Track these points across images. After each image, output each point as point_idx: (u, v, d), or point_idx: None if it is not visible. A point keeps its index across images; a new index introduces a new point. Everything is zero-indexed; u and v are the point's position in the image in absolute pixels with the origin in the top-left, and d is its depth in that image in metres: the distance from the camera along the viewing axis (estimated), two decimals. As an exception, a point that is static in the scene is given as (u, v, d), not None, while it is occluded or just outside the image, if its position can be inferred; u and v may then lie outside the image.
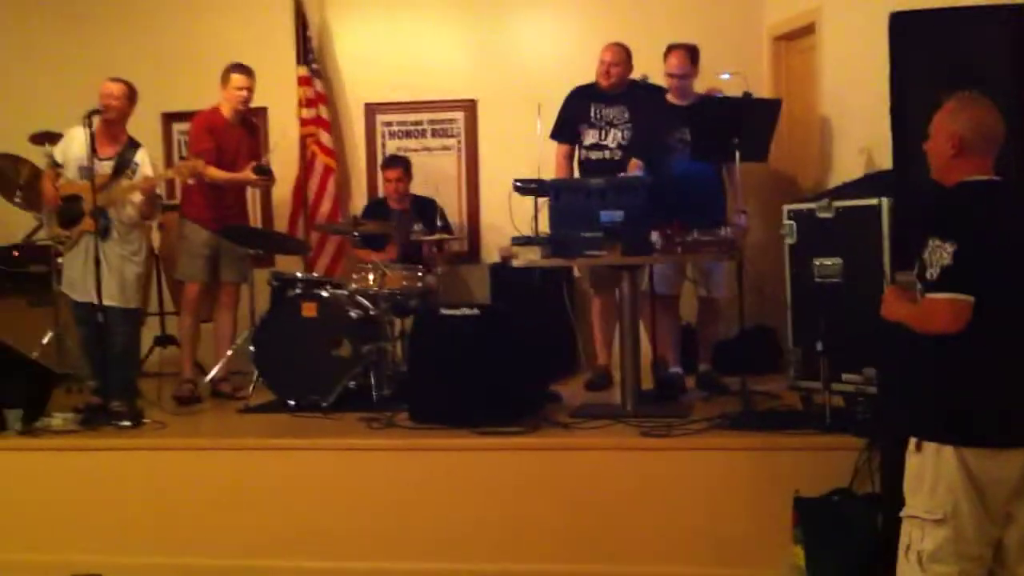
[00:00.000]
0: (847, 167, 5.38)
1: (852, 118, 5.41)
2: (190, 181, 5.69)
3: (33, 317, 6.51)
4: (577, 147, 5.93)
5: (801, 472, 4.12)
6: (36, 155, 6.12)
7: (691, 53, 5.48)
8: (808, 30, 6.01)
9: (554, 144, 5.97)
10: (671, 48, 5.51)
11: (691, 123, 5.31)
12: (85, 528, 4.71)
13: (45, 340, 6.14)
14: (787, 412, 4.68)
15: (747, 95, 5.11)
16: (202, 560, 4.57)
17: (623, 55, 5.80)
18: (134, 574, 4.60)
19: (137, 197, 5.35)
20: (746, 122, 5.11)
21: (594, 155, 5.85)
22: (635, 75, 5.76)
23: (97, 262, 5.03)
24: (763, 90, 6.30)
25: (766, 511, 4.12)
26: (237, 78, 5.81)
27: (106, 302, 5.10)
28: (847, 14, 5.51)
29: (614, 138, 5.80)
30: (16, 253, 6.77)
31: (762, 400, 4.94)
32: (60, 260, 5.60)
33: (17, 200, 6.40)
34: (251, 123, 6.15)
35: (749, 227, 5.37)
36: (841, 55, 5.58)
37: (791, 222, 4.68)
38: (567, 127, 5.92)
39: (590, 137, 5.86)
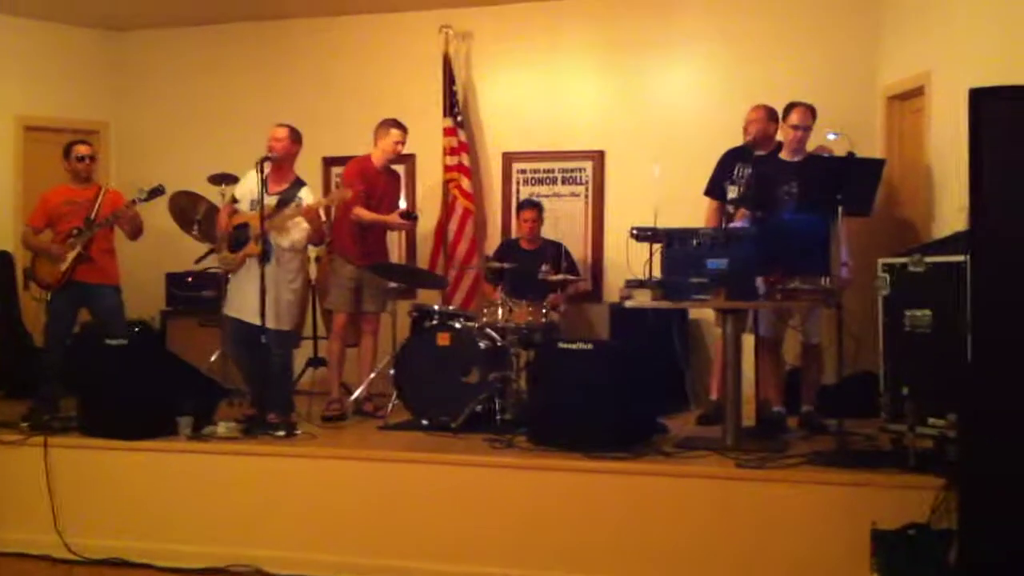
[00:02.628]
0: (949, 224, 5.65)
1: (954, 177, 5.67)
2: (334, 205, 6.21)
3: (203, 336, 7.30)
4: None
5: (882, 507, 4.43)
6: (213, 193, 6.90)
7: (811, 111, 5.88)
8: (919, 92, 6.30)
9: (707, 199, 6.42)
10: (794, 105, 5.89)
11: (800, 178, 5.68)
12: (241, 524, 5.31)
13: (213, 358, 6.88)
14: (876, 452, 4.98)
15: (851, 155, 5.45)
16: (342, 557, 5.12)
17: (764, 115, 6.16)
18: (284, 566, 5.17)
19: (303, 224, 5.94)
20: (850, 179, 5.44)
21: (731, 208, 6.22)
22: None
23: (263, 291, 5.64)
24: (876, 146, 6.62)
25: (848, 542, 4.45)
26: (396, 133, 6.42)
27: (268, 325, 5.69)
28: (955, 78, 5.76)
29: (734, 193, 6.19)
30: (190, 279, 7.62)
31: (856, 441, 5.25)
32: (228, 287, 6.31)
33: (194, 233, 7.09)
34: (394, 172, 6.75)
35: (852, 278, 5.70)
36: (947, 117, 5.83)
37: (885, 275, 5.02)
38: (716, 185, 6.31)
39: (731, 193, 6.28)
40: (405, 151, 6.68)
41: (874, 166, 5.69)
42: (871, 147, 6.51)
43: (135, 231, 6.42)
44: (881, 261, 5.07)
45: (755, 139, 6.15)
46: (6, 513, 5.66)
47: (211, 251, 6.75)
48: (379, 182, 6.44)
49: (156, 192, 6.30)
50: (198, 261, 7.30)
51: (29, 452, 5.61)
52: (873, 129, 6.78)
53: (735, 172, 6.24)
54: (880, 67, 6.90)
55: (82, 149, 6.41)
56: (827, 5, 7.17)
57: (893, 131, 6.72)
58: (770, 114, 6.19)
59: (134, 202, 6.27)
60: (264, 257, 5.78)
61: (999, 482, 3.91)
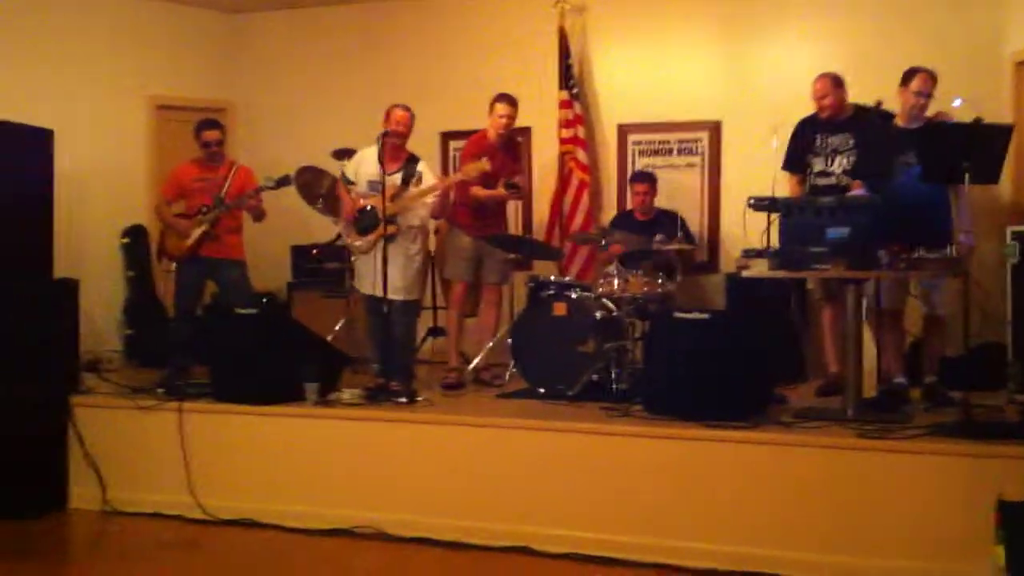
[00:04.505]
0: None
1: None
2: (470, 177, 6.23)
3: (327, 308, 7.52)
4: (808, 175, 6.24)
5: (1009, 479, 4.34)
6: (335, 167, 7.09)
7: (932, 77, 5.74)
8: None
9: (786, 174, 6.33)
10: (915, 71, 5.74)
11: (919, 147, 5.55)
12: (365, 488, 5.50)
13: (337, 327, 7.09)
14: (1002, 423, 4.87)
15: (978, 120, 5.31)
16: (462, 521, 5.25)
17: (829, 86, 6.07)
18: (406, 529, 5.32)
19: (428, 200, 6.14)
20: (977, 146, 5.30)
21: (821, 182, 6.13)
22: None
23: (385, 261, 5.82)
24: (1004, 114, 6.43)
25: (972, 514, 4.38)
26: (500, 107, 6.51)
27: (391, 296, 5.92)
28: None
29: (839, 164, 6.07)
30: (315, 252, 7.85)
31: (982, 412, 5.12)
32: (353, 259, 6.51)
33: (318, 206, 7.29)
34: (514, 143, 6.85)
35: (975, 246, 5.56)
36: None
37: (1014, 243, 4.90)
38: (796, 158, 6.26)
39: (817, 165, 6.19)
40: (520, 124, 6.76)
41: (1002, 132, 5.51)
42: (998, 115, 6.30)
43: (258, 216, 6.66)
44: (1010, 229, 4.95)
45: (830, 113, 6.05)
46: (142, 474, 5.96)
47: (338, 236, 6.93)
48: (495, 158, 6.52)
49: (283, 181, 6.53)
50: (328, 245, 7.54)
51: (164, 416, 5.90)
52: (1000, 96, 6.57)
53: (817, 142, 6.15)
54: (1008, 32, 6.68)
55: (210, 135, 6.64)
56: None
57: (1021, 98, 6.51)
58: (835, 82, 6.08)
59: (261, 189, 6.51)
60: (392, 237, 5.94)
61: None
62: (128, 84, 8.08)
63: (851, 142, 6.03)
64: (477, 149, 6.52)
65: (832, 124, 6.11)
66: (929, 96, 5.70)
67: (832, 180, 6.08)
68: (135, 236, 8.01)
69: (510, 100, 6.55)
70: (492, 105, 6.57)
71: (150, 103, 8.21)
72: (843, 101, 6.09)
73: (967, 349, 5.27)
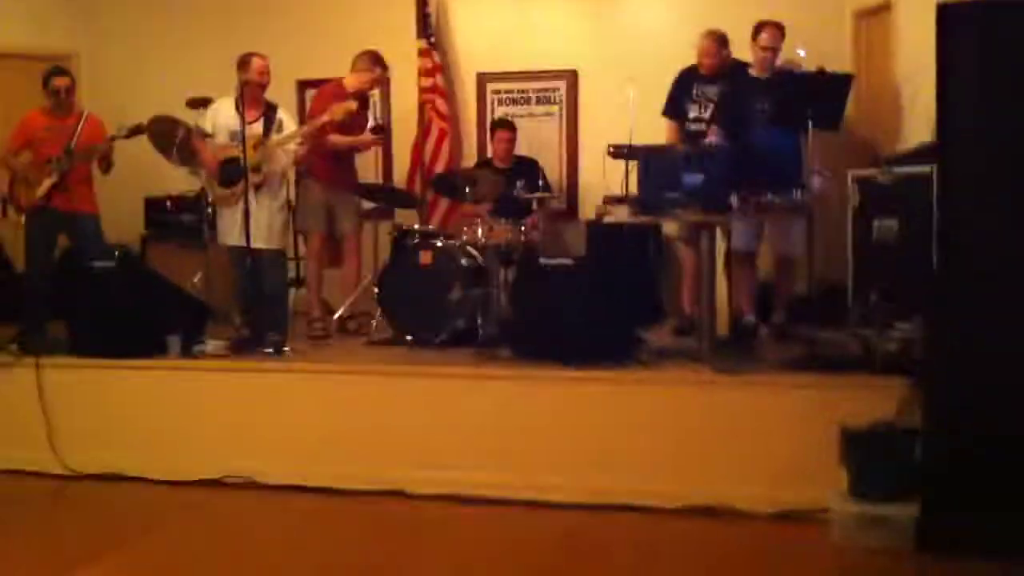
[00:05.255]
0: (917, 135, 5.83)
1: (921, 90, 5.84)
2: (336, 119, 6.22)
3: (183, 260, 7.38)
4: (684, 121, 6.53)
5: (852, 408, 4.60)
6: (190, 117, 6.92)
7: (780, 29, 6.02)
8: (886, 7, 6.44)
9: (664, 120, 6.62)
10: (763, 24, 6.03)
11: (771, 95, 5.83)
12: (234, 438, 5.45)
13: (195, 280, 6.99)
14: (845, 356, 5.15)
15: (820, 69, 5.59)
16: (333, 467, 5.28)
17: (714, 46, 6.35)
18: (277, 477, 5.32)
19: (290, 148, 6.09)
20: (819, 94, 5.60)
21: (694, 127, 6.44)
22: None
23: (248, 212, 5.77)
24: (845, 63, 6.76)
25: (819, 441, 4.65)
26: (372, 68, 6.59)
27: (260, 245, 5.90)
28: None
29: (705, 112, 6.37)
30: (168, 203, 7.68)
31: (827, 347, 5.47)
32: (209, 211, 6.41)
33: (173, 157, 7.14)
34: (365, 96, 6.83)
35: (826, 190, 5.88)
36: (915, 32, 5.98)
37: (855, 186, 5.21)
38: (675, 105, 6.53)
39: (692, 112, 6.46)
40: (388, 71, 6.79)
41: (843, 81, 5.83)
42: (839, 64, 6.60)
43: (107, 168, 6.49)
44: (851, 173, 5.25)
45: (709, 70, 6.31)
46: (2, 432, 5.77)
47: (202, 189, 6.80)
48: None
49: (136, 131, 6.38)
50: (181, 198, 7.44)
51: (21, 372, 5.73)
52: (842, 46, 6.91)
53: (694, 91, 6.41)
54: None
55: (59, 82, 6.43)
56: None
57: (860, 47, 6.87)
58: (720, 41, 6.35)
59: (113, 139, 6.33)
60: (260, 185, 5.89)
61: (960, 381, 4.16)
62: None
63: (718, 92, 6.28)
64: (335, 97, 6.48)
65: (709, 76, 6.34)
66: (776, 49, 5.97)
67: (703, 127, 6.32)
68: (-24, 189, 7.65)
69: (382, 63, 6.60)
70: (365, 65, 6.58)
71: (-15, 52, 7.83)
72: (724, 59, 6.33)
73: (811, 289, 5.61)
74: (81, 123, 6.42)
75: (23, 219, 6.49)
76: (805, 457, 4.74)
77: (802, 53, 5.80)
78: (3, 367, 5.78)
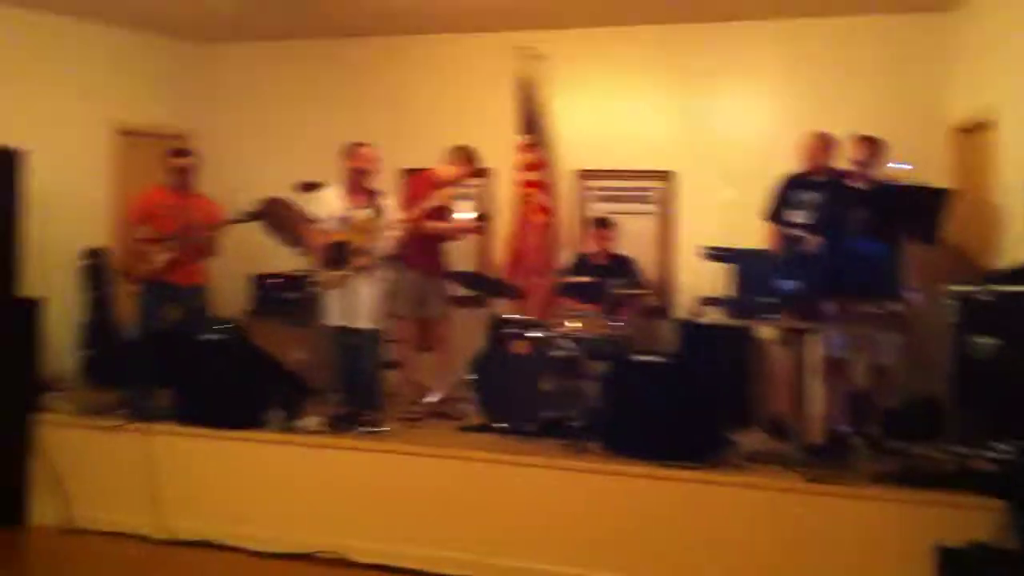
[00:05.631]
0: (1012, 255, 5.84)
1: (1020, 210, 5.88)
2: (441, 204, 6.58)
3: (286, 337, 7.57)
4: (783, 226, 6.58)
5: (946, 526, 4.63)
6: (299, 200, 7.18)
7: (872, 143, 6.10)
8: (986, 126, 6.49)
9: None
10: (856, 138, 6.14)
11: (869, 206, 5.89)
12: (328, 514, 5.63)
13: (297, 357, 7.19)
14: (940, 473, 5.15)
15: (918, 183, 5.64)
16: (423, 549, 5.42)
17: (821, 146, 6.44)
18: (368, 555, 5.47)
19: (392, 232, 6.34)
20: (916, 207, 5.65)
21: (793, 232, 6.40)
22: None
23: (353, 293, 6.05)
24: (943, 179, 6.80)
25: (910, 558, 4.65)
26: (470, 168, 6.94)
27: (360, 325, 6.12)
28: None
29: (805, 219, 6.44)
30: (274, 281, 7.94)
31: (922, 462, 5.44)
32: (313, 291, 6.62)
33: (281, 238, 7.30)
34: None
35: (920, 303, 5.90)
36: (1016, 149, 6.04)
37: (954, 302, 5.23)
38: (775, 209, 6.62)
39: (792, 217, 6.52)
40: (483, 166, 7.05)
41: (940, 195, 5.87)
42: (940, 178, 6.67)
43: (213, 251, 6.81)
44: (950, 288, 5.27)
45: (813, 169, 6.41)
46: (103, 493, 6.02)
47: (307, 271, 7.05)
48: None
49: (254, 216, 6.67)
50: (287, 277, 7.71)
51: (127, 437, 5.98)
52: (939, 162, 6.96)
53: (795, 197, 6.50)
54: (947, 100, 7.09)
55: (181, 161, 6.80)
56: (895, 37, 7.36)
57: (960, 164, 6.91)
58: (826, 142, 6.43)
59: (231, 222, 6.65)
60: (362, 270, 6.15)
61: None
62: (93, 110, 8.11)
63: (819, 199, 6.36)
64: (429, 186, 6.73)
65: (812, 182, 6.45)
66: (866, 162, 6.04)
67: (802, 233, 6.39)
68: (95, 258, 8.01)
69: (474, 158, 6.93)
70: (455, 154, 6.87)
71: (114, 129, 8.25)
72: (826, 161, 6.42)
73: (907, 401, 5.59)
74: (199, 203, 6.73)
75: (137, 289, 6.78)
76: (896, 573, 4.72)
77: (903, 166, 5.87)
78: (110, 431, 6.00)
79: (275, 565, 5.52)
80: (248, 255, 7.95)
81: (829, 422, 6.03)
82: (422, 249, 6.83)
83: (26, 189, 6.46)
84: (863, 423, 6.06)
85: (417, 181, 6.92)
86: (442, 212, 6.81)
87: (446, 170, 6.89)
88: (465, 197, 7.02)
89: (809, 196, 6.48)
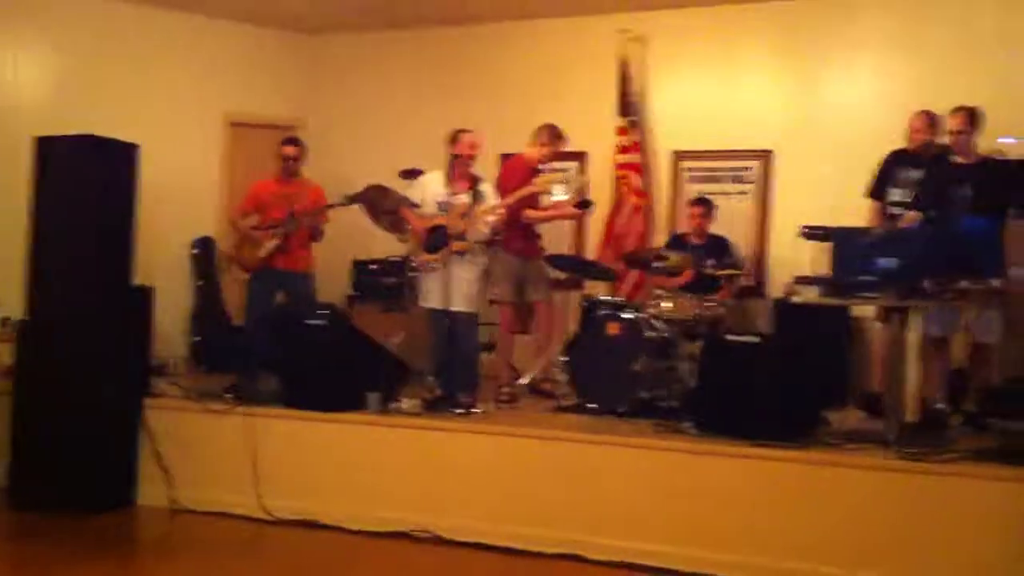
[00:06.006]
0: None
1: None
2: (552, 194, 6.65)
3: (385, 321, 7.79)
4: (886, 204, 6.50)
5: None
6: (401, 187, 7.34)
7: (970, 114, 5.93)
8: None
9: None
10: (955, 109, 5.99)
11: (972, 181, 5.75)
12: (423, 493, 5.73)
13: (395, 340, 7.37)
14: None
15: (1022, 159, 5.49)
16: (517, 528, 5.48)
17: (926, 122, 6.33)
18: (461, 534, 5.56)
19: (491, 218, 6.42)
20: (1022, 182, 5.48)
21: (895, 211, 6.38)
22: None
23: (451, 277, 6.17)
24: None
25: (1009, 537, 4.56)
26: (560, 145, 6.94)
27: (458, 309, 6.24)
28: None
29: (904, 196, 6.31)
30: (374, 267, 8.15)
31: (1021, 439, 5.30)
32: (412, 275, 6.77)
33: (383, 223, 7.52)
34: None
35: (1021, 280, 5.72)
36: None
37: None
38: (879, 187, 6.54)
39: (894, 196, 6.43)
40: (577, 148, 7.19)
41: (1052, 169, 5.71)
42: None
43: (316, 236, 7.01)
44: (1055, 264, 5.12)
45: (918, 148, 6.28)
46: (209, 474, 6.24)
47: (407, 256, 7.21)
48: (528, 181, 6.73)
49: (354, 199, 6.88)
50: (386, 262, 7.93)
51: (233, 420, 6.18)
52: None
53: (898, 175, 6.38)
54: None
55: (288, 151, 7.02)
56: (1008, 9, 7.13)
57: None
58: (931, 120, 6.30)
59: (333, 206, 6.83)
60: (463, 252, 6.27)
61: None
62: (205, 102, 8.45)
63: (921, 177, 6.24)
64: (523, 170, 6.80)
65: (915, 159, 6.34)
66: (963, 133, 5.88)
67: (904, 211, 6.28)
68: (204, 247, 8.35)
69: (561, 136, 6.95)
70: (542, 135, 6.92)
71: (225, 120, 8.56)
72: (933, 139, 6.31)
73: (1008, 379, 5.45)
74: (306, 191, 6.95)
75: (247, 278, 7.03)
76: (993, 552, 4.64)
77: (1009, 141, 5.70)
78: (217, 414, 6.24)
79: (372, 543, 5.65)
80: (351, 241, 8.17)
81: (926, 400, 5.92)
82: (521, 234, 6.90)
83: (141, 182, 6.75)
84: (961, 401, 5.94)
85: (508, 166, 6.99)
86: (536, 196, 6.86)
87: (534, 151, 6.93)
88: (564, 181, 7.01)
89: (912, 174, 6.36)
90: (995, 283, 5.32)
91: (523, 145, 7.20)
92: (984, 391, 5.97)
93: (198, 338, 8.18)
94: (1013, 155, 5.81)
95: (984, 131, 5.99)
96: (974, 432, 5.67)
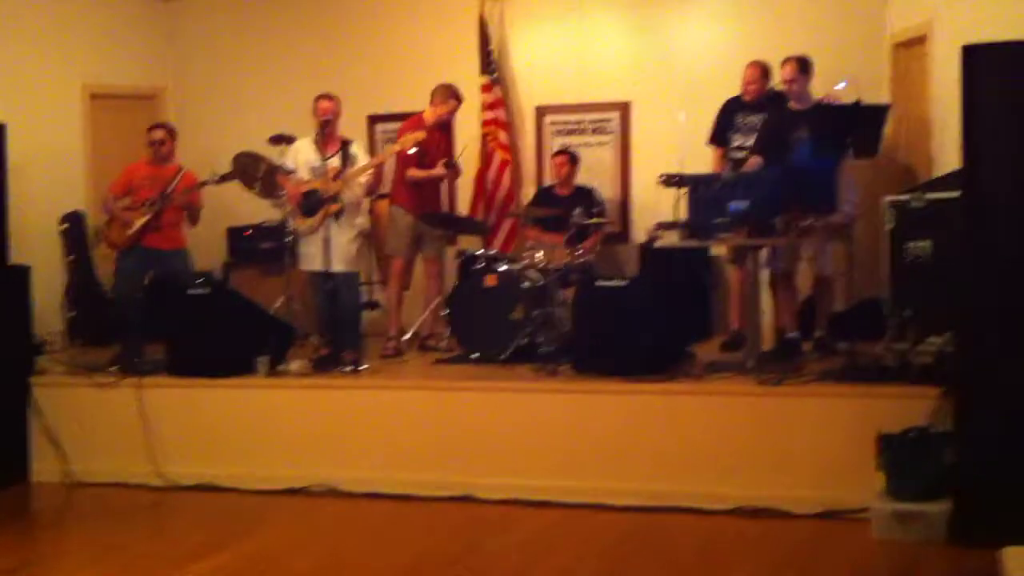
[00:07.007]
0: (950, 162, 6.17)
1: (955, 118, 6.17)
2: (412, 150, 6.76)
3: (264, 285, 7.89)
4: (728, 149, 6.94)
5: (888, 415, 4.98)
6: (272, 153, 7.40)
7: (800, 63, 6.32)
8: (922, 40, 6.79)
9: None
10: (784, 60, 6.41)
11: (809, 125, 6.19)
12: (317, 450, 5.95)
13: (277, 304, 7.50)
14: (882, 368, 5.50)
15: (858, 102, 5.96)
16: (408, 474, 5.74)
17: (758, 73, 6.77)
18: (356, 485, 5.80)
19: (362, 179, 6.62)
20: (856, 125, 5.96)
21: (737, 155, 6.81)
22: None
23: (328, 239, 6.34)
24: (884, 93, 7.13)
25: (857, 446, 5.02)
26: (454, 104, 7.10)
27: (337, 268, 6.43)
28: (955, 27, 6.25)
29: (744, 141, 6.76)
30: (249, 232, 8.24)
31: (865, 359, 5.81)
32: (290, 240, 6.90)
33: (256, 190, 7.58)
34: (448, 125, 7.37)
35: (857, 214, 6.25)
36: (947, 64, 6.30)
37: (890, 210, 5.59)
38: (719, 133, 6.96)
39: (736, 141, 6.87)
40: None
41: (879, 112, 6.18)
42: (879, 91, 7.00)
43: (193, 217, 7.05)
44: (886, 198, 5.62)
45: (753, 98, 6.74)
46: (101, 447, 6.32)
47: (284, 220, 7.31)
48: (432, 140, 7.00)
49: (226, 177, 6.97)
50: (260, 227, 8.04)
51: (121, 392, 6.26)
52: (881, 76, 7.27)
53: (737, 121, 6.83)
54: (887, 16, 7.37)
55: (156, 134, 7.02)
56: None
57: (899, 78, 7.21)
58: (763, 70, 6.78)
59: (204, 183, 6.88)
60: (339, 213, 6.43)
61: (989, 389, 4.55)
62: (63, 74, 8.25)
63: (758, 123, 6.67)
64: (412, 129, 6.97)
65: (752, 105, 6.78)
66: (795, 82, 6.29)
67: (745, 155, 6.70)
68: (74, 222, 8.25)
69: (460, 98, 7.14)
70: (444, 98, 7.07)
71: (84, 92, 8.41)
72: (766, 88, 6.75)
73: (850, 305, 5.96)
74: (179, 175, 6.97)
75: (115, 255, 7.05)
76: (846, 461, 5.12)
77: (842, 85, 6.15)
78: (106, 387, 6.31)
79: (272, 500, 5.84)
80: (223, 211, 8.19)
81: (779, 330, 6.43)
82: (414, 192, 7.10)
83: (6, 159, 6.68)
84: (811, 329, 6.46)
85: (405, 125, 7.14)
86: (435, 153, 7.06)
87: (432, 111, 7.10)
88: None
89: (751, 118, 6.79)
90: (836, 218, 5.81)
91: (392, 105, 7.33)
92: (830, 318, 6.49)
93: (73, 313, 8.13)
94: (846, 99, 6.24)
95: (816, 76, 6.41)
96: (823, 356, 6.18)
